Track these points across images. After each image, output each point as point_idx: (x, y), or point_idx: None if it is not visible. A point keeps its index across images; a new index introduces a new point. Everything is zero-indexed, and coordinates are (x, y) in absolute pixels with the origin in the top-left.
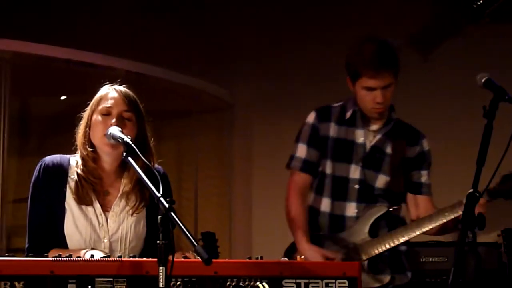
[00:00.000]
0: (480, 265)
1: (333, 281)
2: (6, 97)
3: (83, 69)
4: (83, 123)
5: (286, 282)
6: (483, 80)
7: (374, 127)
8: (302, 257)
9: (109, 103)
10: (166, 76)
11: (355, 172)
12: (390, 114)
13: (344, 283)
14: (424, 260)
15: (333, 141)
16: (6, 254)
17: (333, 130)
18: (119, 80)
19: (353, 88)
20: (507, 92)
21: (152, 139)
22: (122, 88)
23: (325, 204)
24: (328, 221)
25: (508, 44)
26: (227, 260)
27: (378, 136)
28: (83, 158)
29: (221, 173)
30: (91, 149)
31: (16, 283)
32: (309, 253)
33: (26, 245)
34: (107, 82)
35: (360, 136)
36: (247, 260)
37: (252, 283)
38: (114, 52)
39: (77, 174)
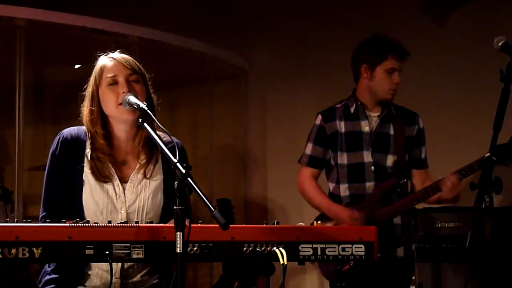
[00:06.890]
0: (497, 229)
1: (350, 245)
2: (21, 65)
3: (98, 37)
4: (87, 101)
5: (302, 247)
6: (500, 43)
7: (374, 115)
8: (319, 222)
9: (112, 72)
10: (181, 43)
11: (368, 156)
12: None
13: (361, 247)
14: (439, 225)
15: (343, 136)
16: (24, 221)
17: (341, 126)
18: (112, 45)
19: (368, 74)
20: None
21: (156, 98)
22: (118, 54)
23: (345, 189)
24: (349, 200)
25: None
26: (244, 225)
27: (378, 122)
28: (92, 136)
29: (236, 140)
30: (100, 126)
31: (34, 249)
32: (351, 215)
33: (41, 215)
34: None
35: (365, 126)
36: (264, 225)
37: (269, 248)
38: (128, 19)
39: (90, 155)
